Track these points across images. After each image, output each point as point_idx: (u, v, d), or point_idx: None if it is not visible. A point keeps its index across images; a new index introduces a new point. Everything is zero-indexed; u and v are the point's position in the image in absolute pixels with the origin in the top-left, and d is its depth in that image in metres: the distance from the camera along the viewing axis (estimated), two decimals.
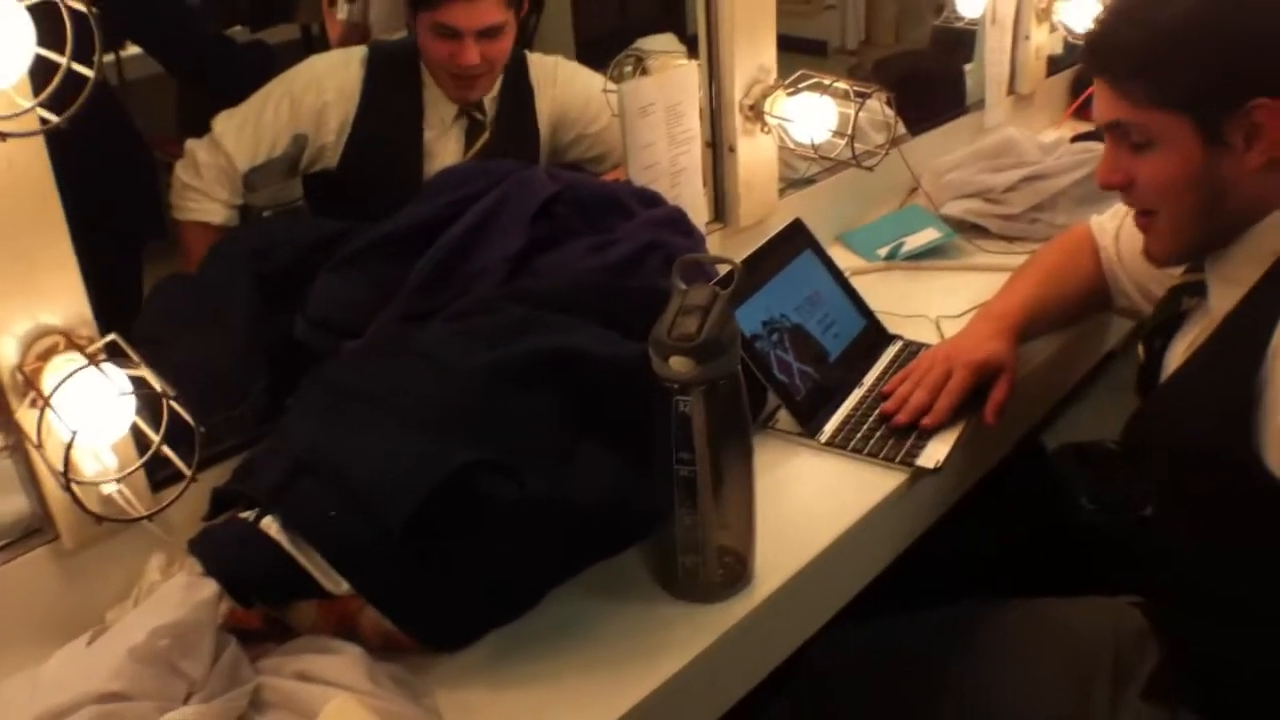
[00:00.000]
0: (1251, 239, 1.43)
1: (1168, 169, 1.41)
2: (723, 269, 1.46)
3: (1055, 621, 1.73)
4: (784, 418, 1.61)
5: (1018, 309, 1.79)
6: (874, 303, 1.89)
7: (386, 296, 1.48)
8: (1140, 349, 1.65)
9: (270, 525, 1.20)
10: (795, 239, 1.77)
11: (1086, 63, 1.49)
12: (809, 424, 1.60)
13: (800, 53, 3.27)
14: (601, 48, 2.20)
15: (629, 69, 1.93)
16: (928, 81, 3.19)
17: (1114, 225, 1.86)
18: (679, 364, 1.16)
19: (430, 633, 1.22)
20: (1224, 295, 1.47)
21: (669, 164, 1.80)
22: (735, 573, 1.32)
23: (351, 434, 1.25)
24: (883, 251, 2.21)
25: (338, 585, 1.19)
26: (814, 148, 1.90)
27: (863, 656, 1.72)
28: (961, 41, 2.96)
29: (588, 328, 1.33)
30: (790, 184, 2.24)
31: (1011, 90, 2.92)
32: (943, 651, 1.71)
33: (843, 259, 2.18)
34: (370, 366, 1.35)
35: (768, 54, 1.94)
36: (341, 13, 2.46)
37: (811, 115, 1.88)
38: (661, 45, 2.26)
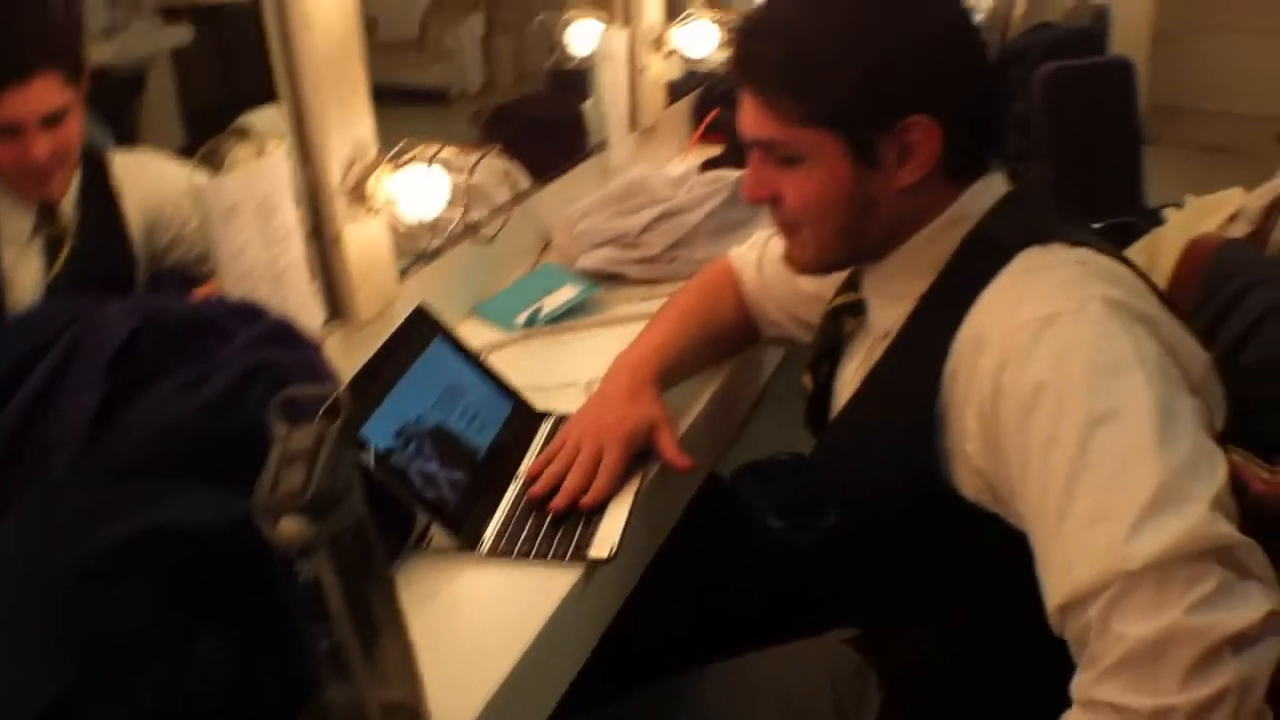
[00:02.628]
0: (908, 253, 1.41)
1: (814, 186, 1.37)
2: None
3: (766, 677, 1.68)
4: (439, 535, 1.46)
5: (654, 356, 1.71)
6: (520, 377, 1.76)
7: None
8: (806, 378, 1.62)
9: None
10: (420, 328, 1.61)
11: (732, 73, 1.43)
12: (467, 536, 1.45)
13: (421, 103, 3.17)
14: (212, 120, 2.00)
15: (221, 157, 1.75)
16: (549, 126, 3.11)
17: (754, 255, 1.83)
18: (291, 526, 0.98)
19: None
20: (885, 312, 1.45)
21: (267, 267, 1.61)
22: None
23: None
24: (521, 319, 2.09)
25: None
26: (428, 226, 1.74)
27: None
28: (576, 81, 2.89)
29: (185, 492, 1.14)
30: (418, 259, 2.09)
31: (635, 125, 2.86)
32: None
33: (482, 333, 2.07)
34: None
35: (363, 128, 1.77)
36: None
37: (420, 191, 1.73)
38: (269, 119, 2.08)
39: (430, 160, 1.73)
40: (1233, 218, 2.67)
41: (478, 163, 1.71)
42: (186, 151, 1.87)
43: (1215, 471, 1.14)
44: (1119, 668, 1.09)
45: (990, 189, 1.40)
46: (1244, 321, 2.02)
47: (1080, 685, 1.14)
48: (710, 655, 1.72)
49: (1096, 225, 3.17)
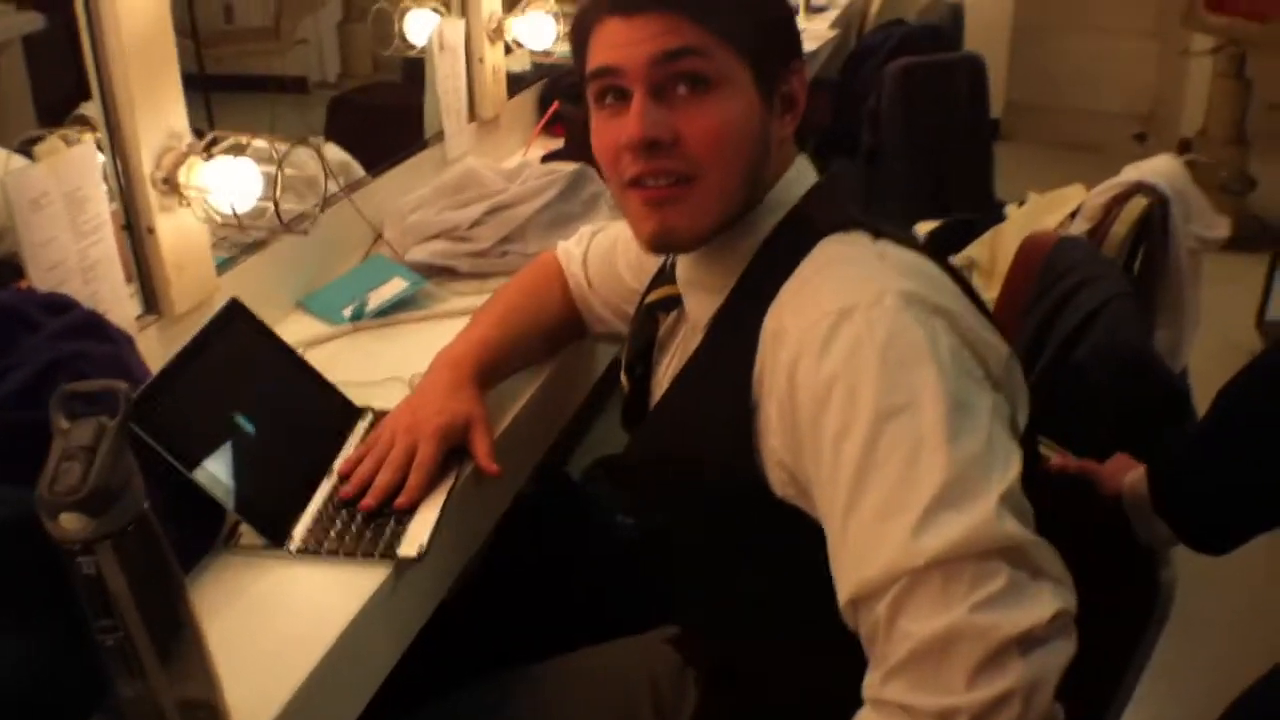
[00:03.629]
0: (729, 237, 1.38)
1: (729, 115, 1.31)
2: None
3: (587, 675, 1.69)
4: (248, 531, 1.43)
5: (475, 352, 1.68)
6: (343, 371, 1.74)
7: None
8: (623, 379, 1.60)
9: None
10: (234, 321, 1.58)
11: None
12: (275, 533, 1.43)
13: (282, 91, 3.13)
14: (65, 109, 1.95)
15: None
16: (392, 115, 3.09)
17: (580, 250, 1.82)
18: (71, 521, 0.97)
19: None
20: (701, 304, 1.44)
21: (78, 259, 1.57)
22: None
23: None
24: (347, 312, 2.06)
25: None
26: (237, 217, 1.71)
27: None
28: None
29: None
30: (244, 250, 2.05)
31: (473, 117, 2.84)
32: None
33: (308, 327, 2.04)
34: None
35: (176, 117, 1.73)
36: None
37: (230, 182, 1.70)
38: None
39: (240, 150, 1.70)
40: (1073, 214, 2.73)
41: (286, 154, 1.68)
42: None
43: (1007, 468, 1.14)
44: (905, 666, 1.09)
45: (804, 174, 1.41)
46: (1076, 317, 2.08)
47: (869, 684, 1.14)
48: (541, 653, 1.72)
49: (941, 220, 3.25)
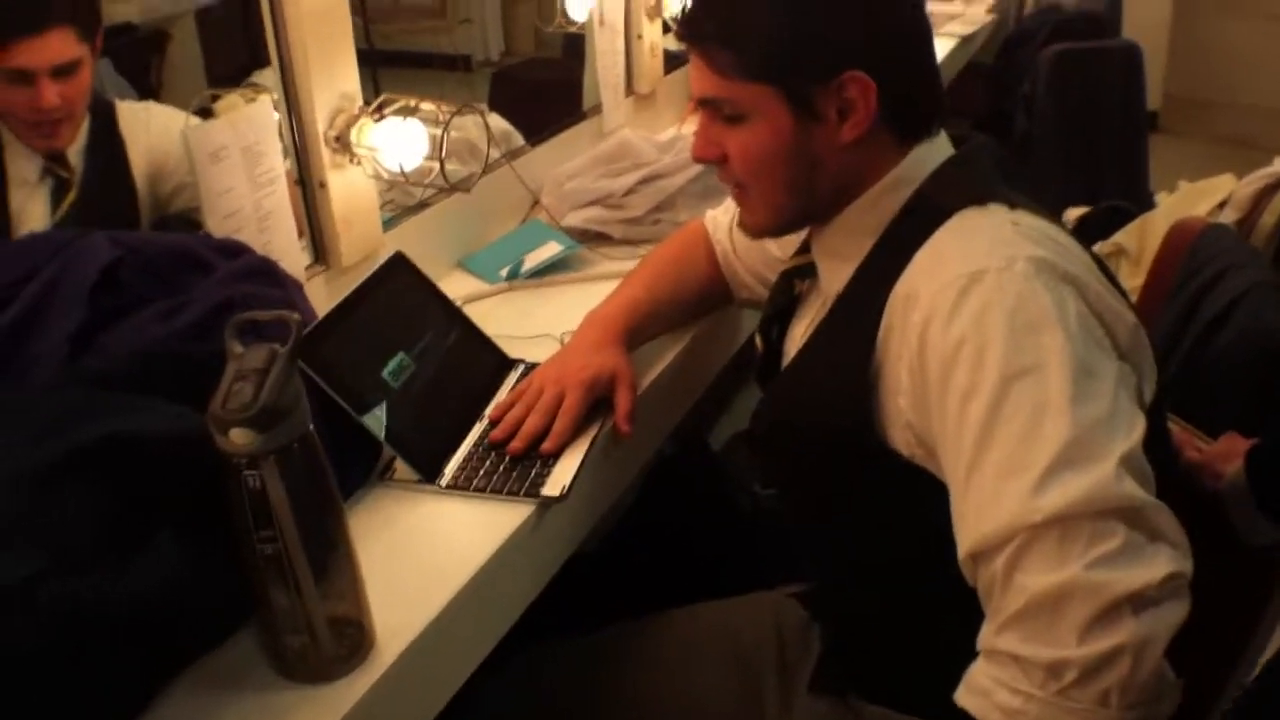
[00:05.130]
0: (853, 214, 1.43)
1: (758, 142, 1.39)
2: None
3: (716, 625, 1.74)
4: (402, 467, 1.52)
5: (624, 312, 1.75)
6: (497, 326, 1.82)
7: None
8: (758, 339, 1.65)
9: None
10: (397, 273, 1.67)
11: (679, 33, 1.46)
12: (428, 469, 1.51)
13: (446, 69, 3.21)
14: (235, 79, 2.06)
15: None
16: (552, 89, 3.16)
17: (727, 219, 1.86)
18: (239, 436, 1.05)
19: None
20: (833, 274, 1.48)
21: (253, 209, 1.68)
22: (355, 643, 1.22)
23: None
24: (503, 272, 2.14)
25: None
26: (404, 175, 1.80)
27: (530, 690, 1.68)
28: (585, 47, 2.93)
29: (150, 406, 1.21)
30: (407, 210, 2.15)
31: (630, 91, 2.90)
32: (605, 674, 1.69)
33: (466, 284, 2.13)
34: None
35: (349, 80, 1.83)
36: None
37: (399, 141, 1.79)
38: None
39: (409, 113, 1.78)
40: (1222, 204, 2.70)
41: (452, 117, 1.76)
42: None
43: (1130, 432, 1.17)
44: (1018, 619, 1.13)
45: (934, 153, 1.43)
46: (1220, 302, 2.07)
47: (984, 635, 1.18)
48: (670, 603, 1.78)
49: (1088, 208, 3.22)
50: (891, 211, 1.41)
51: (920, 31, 1.44)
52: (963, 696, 1.19)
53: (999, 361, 1.18)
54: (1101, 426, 1.15)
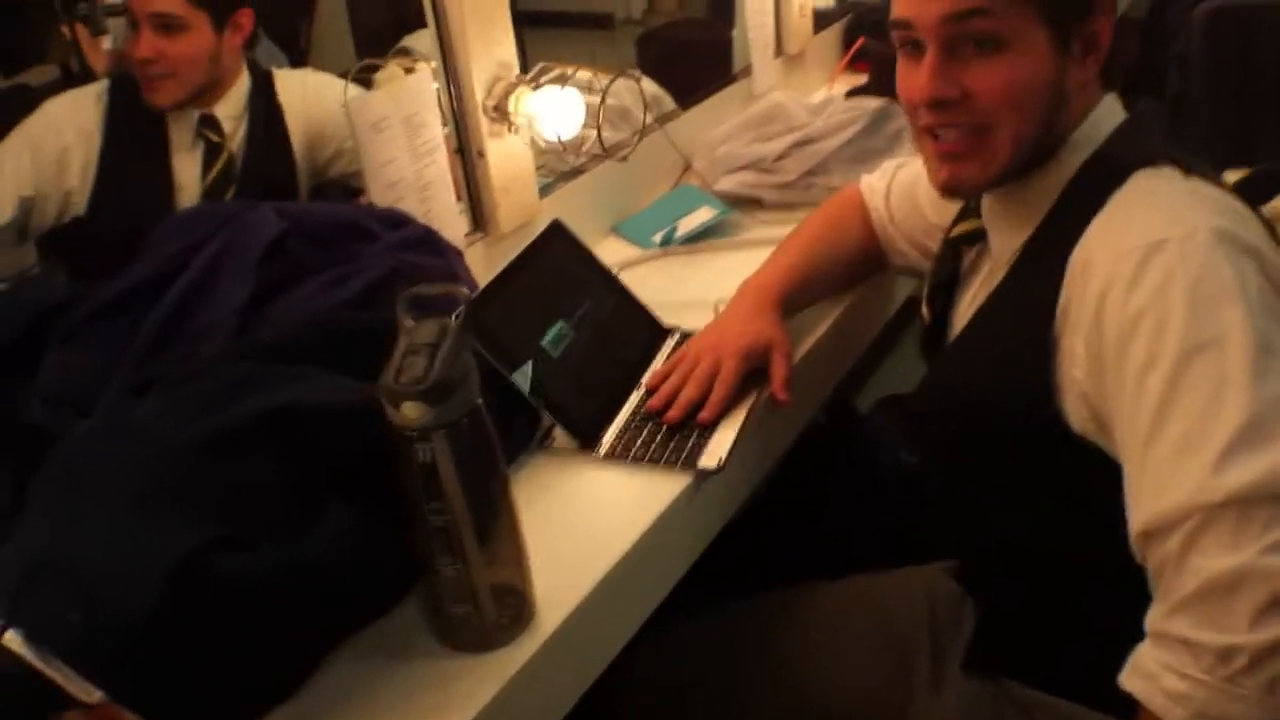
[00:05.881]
0: (1036, 176, 1.39)
1: (1020, 73, 1.32)
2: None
3: (868, 597, 1.72)
4: (560, 435, 1.54)
5: (779, 280, 1.73)
6: (651, 293, 1.82)
7: (120, 365, 1.37)
8: (924, 310, 1.62)
9: (13, 640, 1.09)
10: (555, 241, 1.68)
11: None
12: (586, 438, 1.52)
13: (588, 28, 3.22)
14: (384, 40, 2.09)
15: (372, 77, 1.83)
16: (699, 50, 3.15)
17: (883, 184, 1.84)
18: (411, 410, 1.07)
19: None
20: (1006, 239, 1.45)
21: (414, 179, 1.70)
22: (517, 612, 1.24)
23: (79, 527, 1.13)
24: (657, 238, 2.14)
25: (90, 695, 1.08)
26: (562, 144, 1.81)
27: (678, 659, 1.69)
28: (732, 7, 2.91)
29: (319, 376, 1.23)
30: (561, 177, 2.16)
31: (780, 52, 2.88)
32: (751, 647, 1.68)
33: (620, 250, 2.13)
34: (94, 448, 1.23)
35: (506, 49, 1.84)
36: (107, 42, 2.31)
37: (556, 110, 1.80)
38: (429, 42, 2.17)
39: (565, 81, 1.79)
40: None
41: (609, 85, 1.76)
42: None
43: None
44: (1191, 602, 1.10)
45: (1110, 113, 1.40)
46: None
47: (1153, 617, 1.16)
48: (820, 576, 1.77)
49: (1244, 171, 3.12)
50: (1068, 174, 1.37)
51: None
52: (1128, 679, 1.17)
53: (1179, 334, 1.15)
54: None
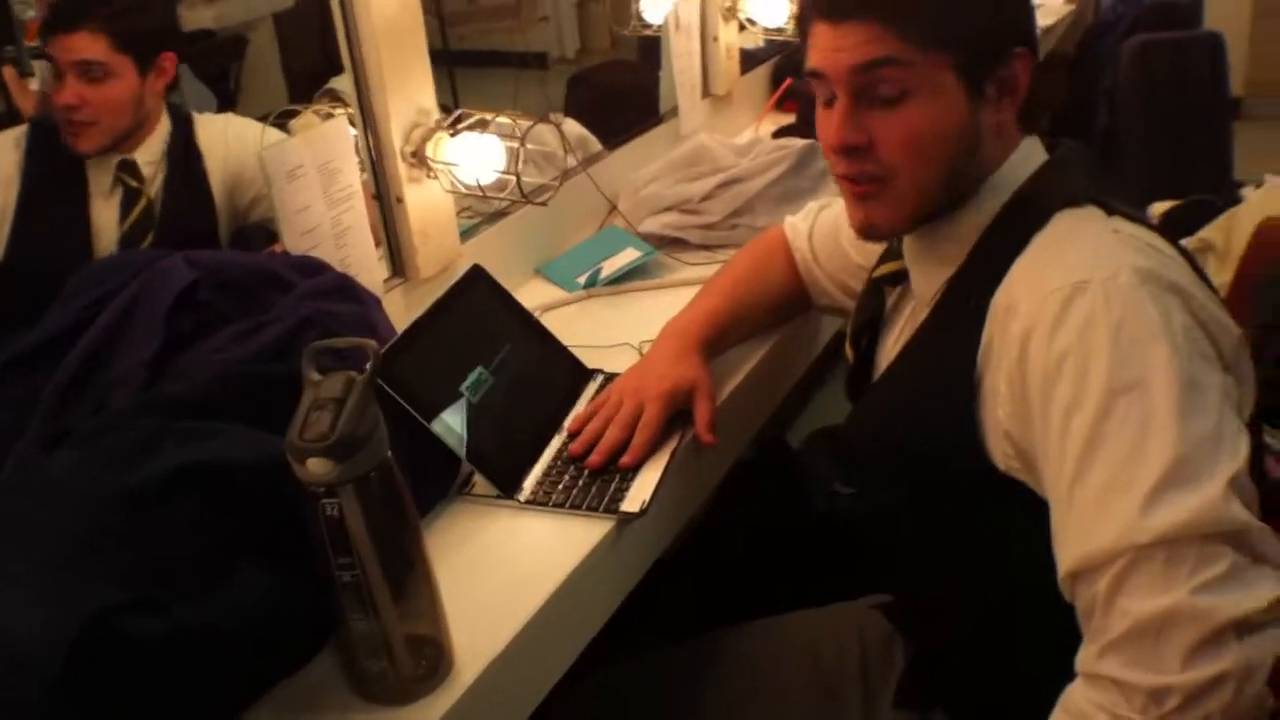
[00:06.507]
0: (957, 217, 1.39)
1: (925, 121, 1.31)
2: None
3: (799, 637, 1.72)
4: (481, 482, 1.52)
5: (702, 322, 1.73)
6: (575, 335, 1.82)
7: (30, 417, 1.35)
8: (848, 350, 1.62)
9: None
10: (475, 286, 1.67)
11: (837, 9, 1.33)
12: (507, 484, 1.51)
13: (522, 67, 3.23)
14: (314, 83, 2.08)
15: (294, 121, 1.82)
16: (628, 92, 3.16)
17: (806, 225, 1.84)
18: (317, 466, 1.05)
19: None
20: (927, 280, 1.45)
21: (330, 225, 1.69)
22: (434, 663, 1.22)
23: None
24: (581, 280, 2.14)
25: None
26: (481, 189, 1.80)
27: (602, 708, 1.67)
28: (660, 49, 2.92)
29: (230, 430, 1.22)
30: (486, 219, 2.15)
31: (707, 93, 2.89)
32: (687, 686, 1.68)
33: (544, 293, 2.13)
34: (5, 503, 1.22)
35: (425, 95, 1.84)
36: (34, 84, 2.28)
37: (475, 156, 1.79)
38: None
39: (485, 127, 1.78)
40: None
41: (528, 131, 1.76)
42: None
43: (1237, 451, 1.13)
44: (1122, 643, 1.10)
45: (1031, 154, 1.40)
46: None
47: (1084, 658, 1.15)
48: (749, 614, 1.77)
49: (1178, 201, 3.16)
50: (991, 213, 1.37)
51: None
52: (1059, 718, 1.17)
53: (1104, 375, 1.15)
54: (1208, 445, 1.12)
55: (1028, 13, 1.35)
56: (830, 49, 1.33)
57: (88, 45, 1.90)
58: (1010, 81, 1.33)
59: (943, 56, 1.29)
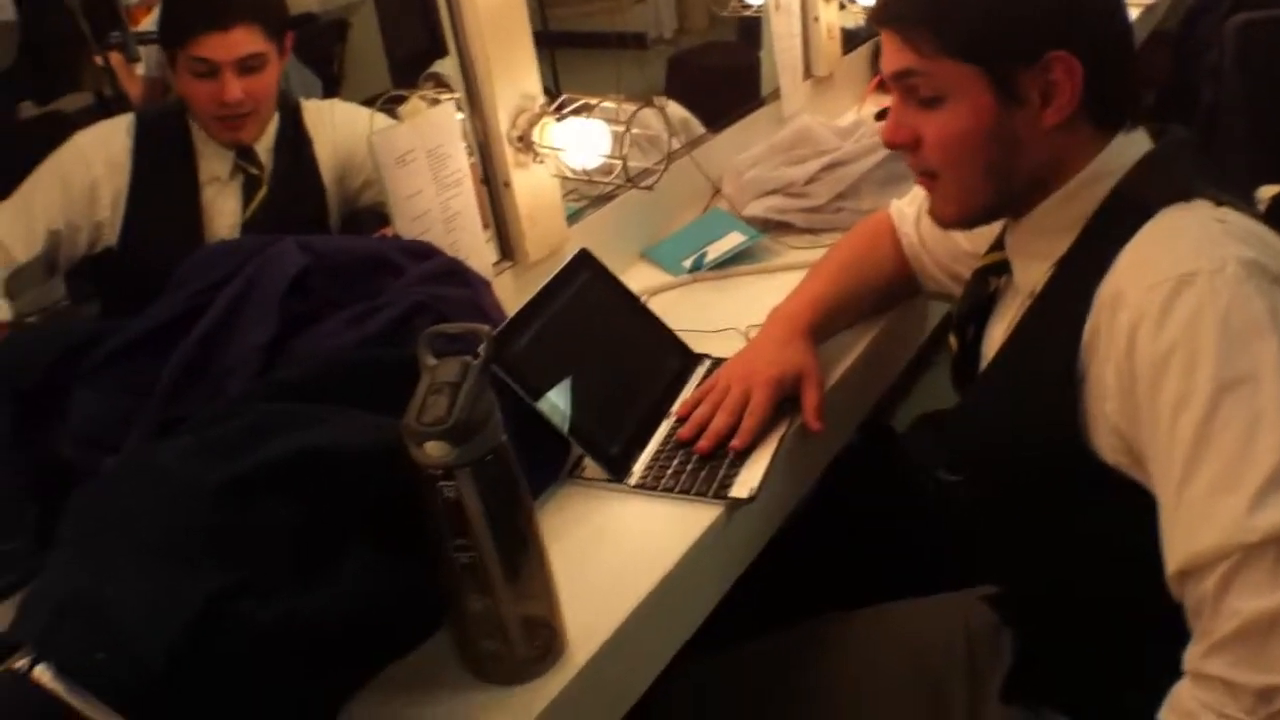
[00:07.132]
0: (1050, 210, 1.38)
1: (957, 124, 1.34)
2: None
3: (903, 628, 1.70)
4: (591, 465, 1.53)
5: (809, 308, 1.73)
6: (680, 319, 1.81)
7: (145, 403, 1.37)
8: (952, 339, 1.61)
9: (43, 674, 1.09)
10: (583, 270, 1.68)
11: (874, 13, 1.42)
12: (616, 468, 1.52)
13: (621, 48, 3.23)
14: (416, 65, 2.10)
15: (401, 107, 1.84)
16: (729, 73, 3.15)
17: (913, 210, 1.82)
18: (435, 449, 1.06)
19: None
20: (1029, 271, 1.43)
21: (440, 210, 1.70)
22: (547, 644, 1.23)
23: (103, 569, 1.13)
24: (686, 264, 2.14)
25: None
26: (587, 173, 1.81)
27: (711, 692, 1.67)
28: (760, 29, 2.91)
29: (342, 416, 1.23)
30: (592, 202, 2.16)
31: (809, 74, 2.87)
32: (791, 674, 1.67)
33: (649, 276, 2.13)
34: (118, 490, 1.23)
35: (529, 81, 1.85)
36: (141, 69, 2.32)
37: (580, 141, 1.79)
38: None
39: (589, 111, 1.79)
40: None
41: (634, 115, 1.76)
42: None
43: None
44: (1230, 642, 1.09)
45: (1132, 146, 1.37)
46: None
47: (1192, 657, 1.14)
48: (854, 603, 1.75)
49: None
50: (1089, 207, 1.35)
51: (1122, 14, 1.38)
52: (1166, 717, 1.16)
53: (1211, 371, 1.13)
54: None
55: (1066, 17, 1.32)
56: (884, 52, 1.40)
57: (247, 39, 1.94)
58: (1053, 85, 1.31)
59: (959, 64, 1.32)
